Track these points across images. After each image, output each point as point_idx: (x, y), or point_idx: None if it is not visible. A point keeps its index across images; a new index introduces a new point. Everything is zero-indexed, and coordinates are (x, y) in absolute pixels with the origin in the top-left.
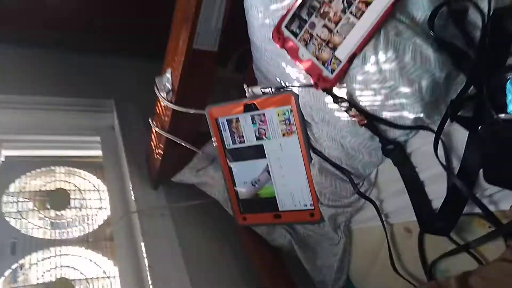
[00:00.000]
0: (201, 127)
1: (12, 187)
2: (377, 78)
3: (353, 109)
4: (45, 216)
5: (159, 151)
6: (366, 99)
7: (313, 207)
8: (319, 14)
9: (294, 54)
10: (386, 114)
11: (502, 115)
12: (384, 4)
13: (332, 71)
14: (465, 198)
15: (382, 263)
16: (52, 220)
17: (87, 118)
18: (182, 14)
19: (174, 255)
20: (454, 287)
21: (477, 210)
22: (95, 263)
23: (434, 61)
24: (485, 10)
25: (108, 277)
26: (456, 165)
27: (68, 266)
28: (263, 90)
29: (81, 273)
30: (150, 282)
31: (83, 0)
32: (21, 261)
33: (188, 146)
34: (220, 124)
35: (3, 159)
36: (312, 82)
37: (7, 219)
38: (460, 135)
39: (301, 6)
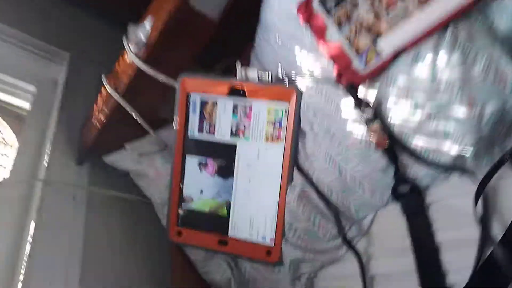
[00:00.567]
0: (162, 110)
1: None
2: (427, 87)
3: (376, 122)
4: None
5: (101, 117)
6: (399, 113)
7: (273, 243)
8: None
9: (319, 33)
10: (417, 142)
11: None
12: None
13: (366, 63)
14: (505, 276)
15: None
16: None
17: (31, 61)
18: None
19: (70, 252)
20: None
21: None
22: None
23: (511, 84)
24: None
25: None
26: (498, 230)
27: None
28: (260, 74)
29: None
30: (22, 274)
31: None
32: None
33: (139, 121)
34: (191, 103)
35: None
36: (334, 73)
37: None
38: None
39: None
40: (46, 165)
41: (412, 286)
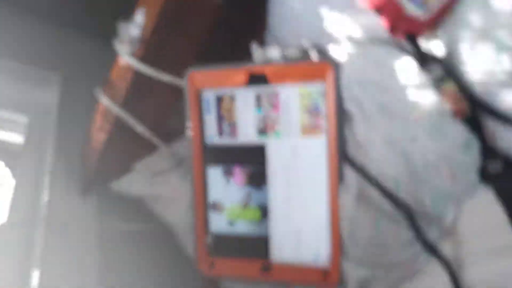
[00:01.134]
0: (171, 117)
1: None
2: None
3: (449, 82)
4: None
5: (101, 136)
6: (479, 63)
7: (329, 263)
8: None
9: None
10: (508, 100)
11: None
12: None
13: (423, 6)
14: None
15: None
16: None
17: (19, 89)
18: None
19: None
20: None
21: None
22: None
23: None
24: None
25: None
26: None
27: None
28: (284, 51)
29: None
30: None
31: None
32: None
33: (146, 134)
34: (204, 101)
35: None
36: (384, 28)
37: None
38: None
39: None
40: (46, 201)
41: None
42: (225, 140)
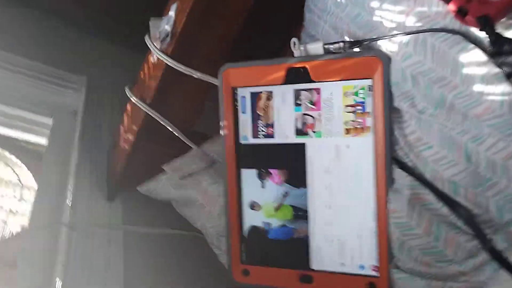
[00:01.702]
0: (198, 119)
1: None
2: None
3: None
4: None
5: (129, 137)
6: None
7: (376, 273)
8: None
9: None
10: None
11: None
12: None
13: None
14: None
15: None
16: None
17: (45, 91)
18: None
19: None
20: None
21: None
22: None
23: None
24: None
25: None
26: None
27: None
28: (328, 46)
29: None
30: None
31: None
32: None
33: (175, 133)
34: (240, 99)
35: None
36: (449, 13)
37: None
38: None
39: None
40: (70, 206)
41: None
42: (261, 141)
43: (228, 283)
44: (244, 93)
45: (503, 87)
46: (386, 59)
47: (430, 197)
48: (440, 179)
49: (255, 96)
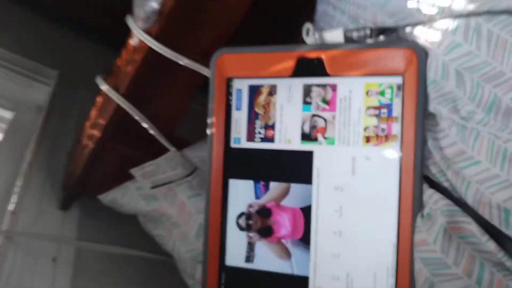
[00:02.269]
0: (179, 120)
1: None
2: None
3: None
4: None
5: (94, 133)
6: None
7: None
8: None
9: None
10: None
11: None
12: None
13: None
14: None
15: None
16: None
17: (9, 82)
18: None
19: None
20: None
21: None
22: None
23: None
24: None
25: None
26: None
27: None
28: (350, 34)
29: None
30: None
31: None
32: None
33: (151, 132)
34: (234, 93)
35: None
36: None
37: None
38: None
39: None
40: (12, 211)
41: None
42: (257, 145)
43: None
44: (241, 86)
45: None
46: (422, 53)
47: (472, 227)
48: (487, 205)
49: (254, 90)
